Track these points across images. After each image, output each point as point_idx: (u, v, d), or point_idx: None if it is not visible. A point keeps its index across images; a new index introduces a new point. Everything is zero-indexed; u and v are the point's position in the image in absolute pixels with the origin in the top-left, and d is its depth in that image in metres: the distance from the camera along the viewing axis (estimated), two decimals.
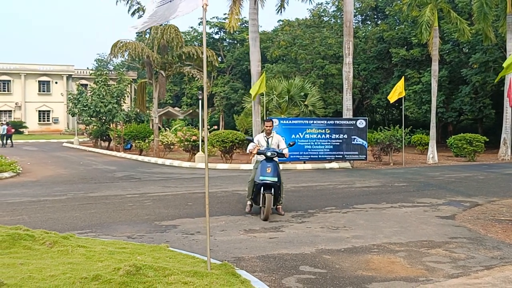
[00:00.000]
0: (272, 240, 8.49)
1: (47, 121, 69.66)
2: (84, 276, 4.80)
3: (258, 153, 10.57)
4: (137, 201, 12.71)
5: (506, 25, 27.64)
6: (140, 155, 30.39)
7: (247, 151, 11.12)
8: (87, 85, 63.55)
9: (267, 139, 10.96)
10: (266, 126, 11.09)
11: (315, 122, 23.43)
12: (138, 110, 37.78)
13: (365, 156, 23.42)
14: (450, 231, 9.31)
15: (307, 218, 10.49)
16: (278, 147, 10.85)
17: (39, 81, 69.00)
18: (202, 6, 5.78)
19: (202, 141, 26.12)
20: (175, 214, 10.98)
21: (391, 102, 29.48)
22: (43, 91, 69.31)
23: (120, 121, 36.80)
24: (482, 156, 27.82)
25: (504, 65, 11.30)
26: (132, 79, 65.15)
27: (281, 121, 22.97)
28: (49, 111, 69.58)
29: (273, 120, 12.21)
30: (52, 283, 4.66)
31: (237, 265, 6.60)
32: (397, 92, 25.44)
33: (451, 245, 8.20)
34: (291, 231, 9.24)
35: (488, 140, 27.73)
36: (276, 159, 10.53)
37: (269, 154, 10.38)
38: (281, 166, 23.53)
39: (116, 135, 35.77)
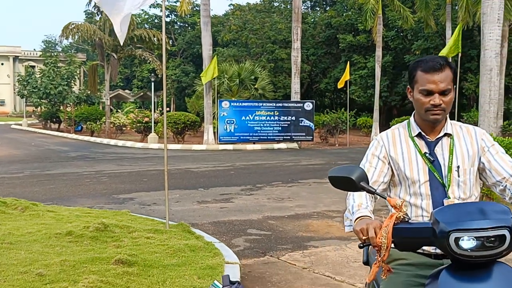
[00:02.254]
0: (223, 210, 9.31)
1: None
2: (58, 232, 5.51)
3: (400, 244, 2.06)
4: (94, 178, 13.30)
5: (446, 14, 29.11)
6: (91, 136, 30.62)
7: (346, 228, 2.48)
8: (34, 66, 62.38)
9: (433, 147, 2.43)
10: (432, 87, 2.31)
11: (264, 104, 24.38)
12: (89, 92, 37.78)
13: (312, 137, 24.56)
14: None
15: (255, 191, 11.36)
16: (487, 177, 2.42)
17: None
18: None
19: (155, 122, 26.68)
20: (131, 188, 11.65)
21: (338, 88, 30.68)
22: None
23: (71, 103, 36.74)
24: None
25: (440, 54, 12.48)
26: (82, 61, 64.38)
27: (232, 104, 23.79)
28: None
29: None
30: (31, 237, 5.35)
31: None
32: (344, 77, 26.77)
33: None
34: (240, 202, 10.10)
35: None
36: None
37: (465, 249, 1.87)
38: (230, 146, 24.40)
39: (67, 117, 35.74)
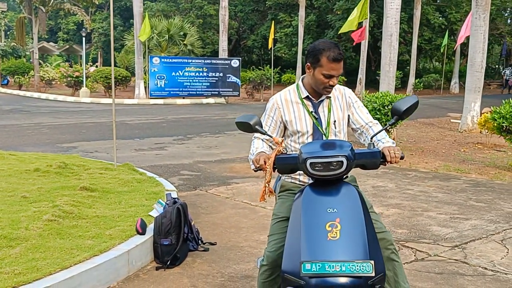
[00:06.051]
0: (158, 156, 10.70)
1: None
2: (27, 169, 6.76)
3: (280, 169, 2.91)
4: (35, 129, 14.27)
5: None
6: (20, 90, 30.75)
7: (251, 165, 3.01)
8: None
9: (317, 107, 3.19)
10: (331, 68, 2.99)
11: (193, 61, 25.61)
12: (14, 45, 37.35)
13: (238, 93, 26.12)
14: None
15: (186, 141, 12.80)
16: (351, 125, 3.33)
17: None
18: None
19: (86, 77, 27.27)
20: (73, 138, 12.78)
21: (269, 47, 32.09)
22: None
23: None
24: None
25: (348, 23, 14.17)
26: (1, 11, 62.11)
27: (163, 60, 24.81)
28: None
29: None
30: (5, 173, 6.57)
31: None
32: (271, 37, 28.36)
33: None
34: (173, 149, 11.51)
35: (346, 79, 31.45)
36: (351, 176, 3.15)
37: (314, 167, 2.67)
38: (161, 101, 25.45)
39: None
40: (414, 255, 5.01)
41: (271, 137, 2.98)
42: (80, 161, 8.03)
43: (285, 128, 3.22)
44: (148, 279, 4.41)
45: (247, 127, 2.96)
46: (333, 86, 3.03)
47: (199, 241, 5.24)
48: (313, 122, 3.13)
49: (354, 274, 2.36)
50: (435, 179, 8.71)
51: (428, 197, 7.43)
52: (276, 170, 2.88)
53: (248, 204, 7.04)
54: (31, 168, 6.80)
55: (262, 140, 3.17)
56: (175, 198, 5.21)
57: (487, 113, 11.45)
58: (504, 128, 9.63)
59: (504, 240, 5.46)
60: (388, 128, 3.13)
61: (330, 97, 3.17)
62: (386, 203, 7.04)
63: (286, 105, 3.19)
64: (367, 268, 2.36)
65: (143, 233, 4.79)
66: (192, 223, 5.27)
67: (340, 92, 3.23)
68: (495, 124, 9.75)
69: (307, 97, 3.16)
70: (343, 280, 2.36)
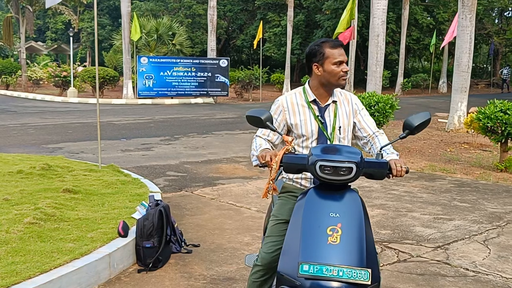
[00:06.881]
0: (144, 156, 10.66)
1: None
2: (10, 171, 6.71)
3: (286, 167, 2.85)
4: (21, 130, 14.17)
5: None
6: (7, 90, 30.56)
7: (254, 161, 3.02)
8: None
9: (323, 112, 3.15)
10: (337, 62, 3.03)
11: (182, 61, 25.55)
12: (2, 45, 37.12)
13: (227, 93, 26.09)
14: None
15: (173, 141, 12.76)
16: (357, 133, 3.29)
17: None
18: None
19: (74, 77, 27.14)
20: (59, 139, 12.70)
21: (254, 48, 32.15)
22: None
23: None
24: None
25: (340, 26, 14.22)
26: None
27: (151, 60, 24.74)
28: None
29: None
30: None
31: None
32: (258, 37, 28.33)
33: None
34: (160, 150, 11.47)
35: None
36: (355, 185, 2.87)
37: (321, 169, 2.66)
38: (149, 101, 25.46)
39: None
40: (397, 256, 5.03)
41: (281, 134, 2.95)
42: (64, 162, 7.98)
43: (288, 131, 3.19)
44: (129, 282, 4.39)
45: (258, 122, 2.91)
46: (346, 72, 3.03)
47: (182, 243, 5.22)
48: (319, 127, 3.10)
49: (351, 280, 2.38)
50: (420, 179, 8.75)
51: (412, 197, 7.47)
52: (282, 168, 2.84)
53: (233, 205, 7.02)
54: (14, 170, 6.75)
55: (264, 139, 3.14)
56: (157, 200, 5.19)
57: (473, 113, 11.51)
58: (489, 128, 9.68)
59: (487, 241, 5.50)
60: (384, 132, 3.05)
61: (336, 101, 3.15)
62: (371, 203, 7.06)
63: (292, 108, 3.15)
64: (364, 276, 2.38)
65: (125, 235, 4.77)
66: (176, 225, 5.25)
67: (346, 98, 3.22)
68: (480, 125, 9.79)
69: (314, 101, 3.14)
70: (337, 285, 2.38)
